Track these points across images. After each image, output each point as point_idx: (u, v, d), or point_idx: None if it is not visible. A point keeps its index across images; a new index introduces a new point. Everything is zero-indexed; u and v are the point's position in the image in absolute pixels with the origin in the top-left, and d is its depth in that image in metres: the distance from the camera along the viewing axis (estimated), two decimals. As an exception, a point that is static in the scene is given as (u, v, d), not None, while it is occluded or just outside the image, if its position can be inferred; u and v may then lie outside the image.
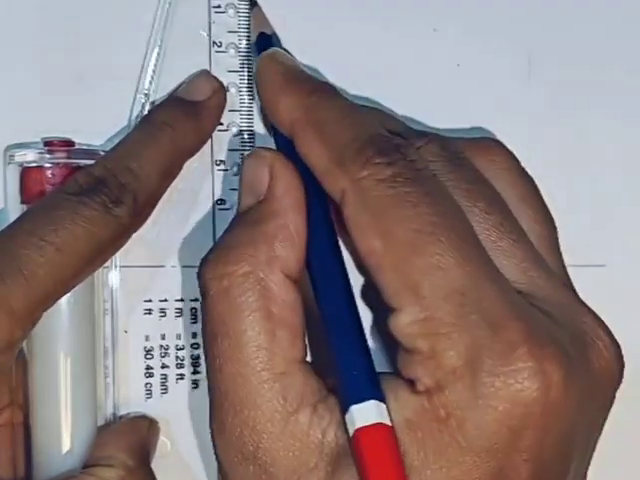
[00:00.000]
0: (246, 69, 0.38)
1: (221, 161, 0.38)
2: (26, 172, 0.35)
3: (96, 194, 0.33)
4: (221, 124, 0.38)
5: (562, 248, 0.39)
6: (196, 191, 0.38)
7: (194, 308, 0.38)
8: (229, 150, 0.38)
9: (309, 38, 0.39)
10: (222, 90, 0.37)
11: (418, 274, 0.29)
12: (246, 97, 0.38)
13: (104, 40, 0.38)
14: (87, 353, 0.35)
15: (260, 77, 0.35)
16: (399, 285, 0.29)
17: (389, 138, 0.32)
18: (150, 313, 0.38)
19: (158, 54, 0.38)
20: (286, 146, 0.33)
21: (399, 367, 0.30)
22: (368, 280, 0.36)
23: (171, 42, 0.38)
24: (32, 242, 0.31)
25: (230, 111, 0.38)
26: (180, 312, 0.38)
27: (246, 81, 0.38)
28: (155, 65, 0.38)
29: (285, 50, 0.37)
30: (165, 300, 0.38)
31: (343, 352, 0.30)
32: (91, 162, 0.35)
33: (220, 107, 0.37)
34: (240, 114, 0.38)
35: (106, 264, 0.36)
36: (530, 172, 0.39)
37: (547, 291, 0.32)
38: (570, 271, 0.40)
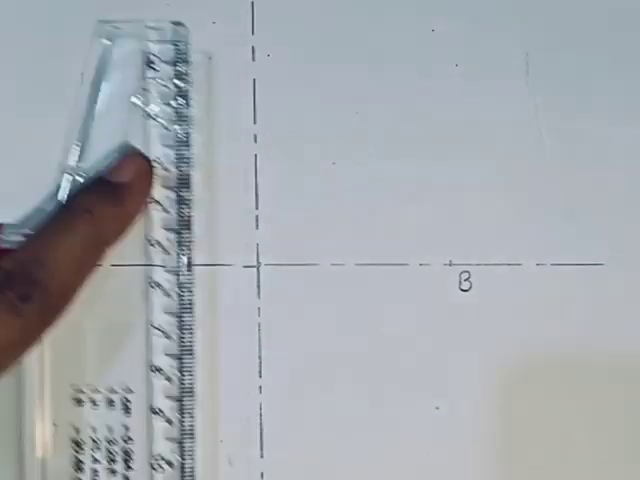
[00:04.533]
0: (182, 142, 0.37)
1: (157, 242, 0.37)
2: None
3: (3, 291, 0.31)
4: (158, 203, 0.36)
5: (562, 247, 0.40)
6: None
7: (126, 398, 0.38)
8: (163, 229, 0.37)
9: (308, 38, 0.39)
10: (149, 169, 0.36)
11: None
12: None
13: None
14: (13, 447, 0.35)
15: None
16: None
17: None
18: (81, 404, 0.37)
19: (87, 124, 0.36)
20: None
21: None
22: None
23: (103, 111, 0.37)
24: None
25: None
26: (112, 403, 0.38)
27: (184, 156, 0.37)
28: (83, 137, 0.36)
29: None
30: (97, 390, 0.38)
31: None
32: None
33: (146, 189, 0.35)
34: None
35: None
36: (529, 172, 0.40)
37: None
38: (569, 270, 0.40)
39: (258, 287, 0.39)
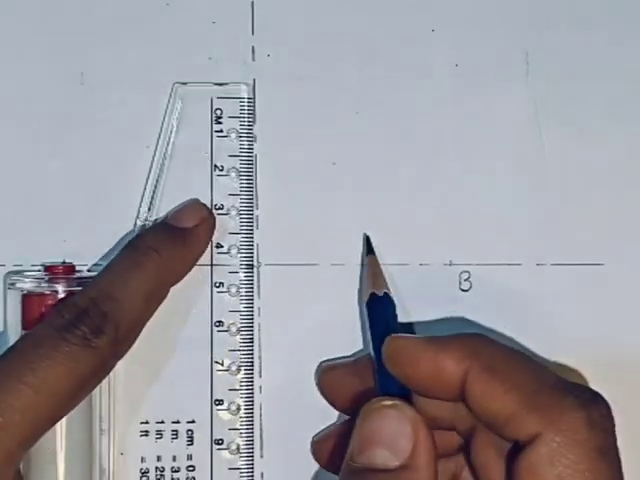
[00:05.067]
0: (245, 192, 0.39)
1: (220, 283, 0.38)
2: (27, 298, 0.35)
3: (77, 326, 0.32)
4: (221, 246, 0.38)
5: (562, 247, 0.40)
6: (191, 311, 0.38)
7: (190, 430, 0.38)
8: (229, 273, 0.39)
9: (308, 38, 0.39)
10: (210, 218, 0.38)
11: None
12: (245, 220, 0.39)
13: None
14: (83, 474, 0.35)
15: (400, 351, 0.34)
16: None
17: None
18: (147, 435, 0.38)
19: (158, 179, 0.38)
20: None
21: None
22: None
23: (172, 168, 0.38)
24: (10, 386, 0.31)
25: (230, 234, 0.38)
26: (176, 434, 0.38)
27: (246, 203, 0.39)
28: (154, 190, 0.38)
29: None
30: (162, 422, 0.38)
31: None
32: None
33: (208, 234, 0.38)
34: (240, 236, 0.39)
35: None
36: (529, 172, 0.40)
37: None
38: (570, 270, 0.40)
39: (258, 287, 0.39)
